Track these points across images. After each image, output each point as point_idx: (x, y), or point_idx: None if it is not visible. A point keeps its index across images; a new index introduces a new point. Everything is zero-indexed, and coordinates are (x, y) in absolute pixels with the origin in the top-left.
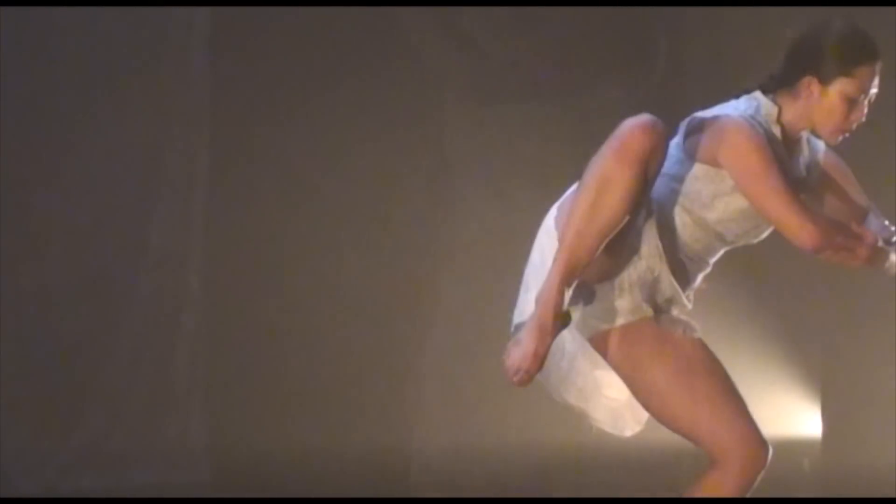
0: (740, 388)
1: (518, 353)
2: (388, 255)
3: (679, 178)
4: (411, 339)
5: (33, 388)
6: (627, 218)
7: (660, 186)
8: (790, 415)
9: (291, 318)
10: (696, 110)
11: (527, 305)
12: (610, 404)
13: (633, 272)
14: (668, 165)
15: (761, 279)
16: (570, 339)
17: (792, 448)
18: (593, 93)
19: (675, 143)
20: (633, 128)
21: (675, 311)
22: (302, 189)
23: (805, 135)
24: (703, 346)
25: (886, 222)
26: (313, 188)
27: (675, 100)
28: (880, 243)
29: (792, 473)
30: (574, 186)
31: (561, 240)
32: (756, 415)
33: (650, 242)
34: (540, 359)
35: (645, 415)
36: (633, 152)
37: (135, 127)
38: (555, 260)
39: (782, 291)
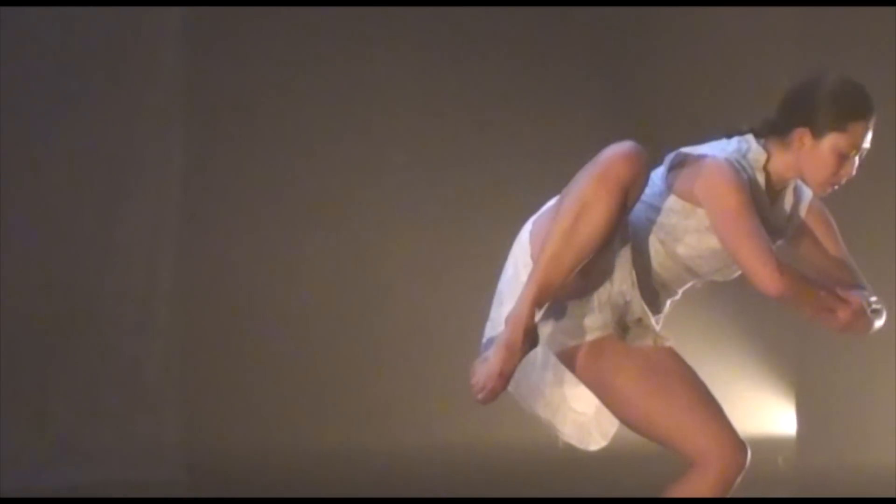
0: (715, 386)
1: (484, 371)
2: (364, 253)
3: (657, 209)
4: (386, 336)
5: (4, 384)
6: (604, 243)
7: (638, 212)
8: (765, 413)
9: (265, 315)
10: (682, 120)
11: (500, 319)
12: (577, 419)
13: (605, 293)
14: (649, 194)
15: (735, 278)
16: (540, 353)
17: (767, 446)
18: (575, 103)
19: (659, 173)
20: (616, 155)
21: (644, 326)
22: (276, 186)
23: (793, 183)
24: (675, 354)
25: (866, 291)
26: (287, 185)
27: (661, 109)
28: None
29: (767, 471)
30: (552, 201)
31: (536, 261)
32: (730, 413)
33: (624, 268)
34: (505, 378)
35: (611, 430)
36: (614, 180)
37: (107, 125)
38: (528, 280)
39: (756, 290)
